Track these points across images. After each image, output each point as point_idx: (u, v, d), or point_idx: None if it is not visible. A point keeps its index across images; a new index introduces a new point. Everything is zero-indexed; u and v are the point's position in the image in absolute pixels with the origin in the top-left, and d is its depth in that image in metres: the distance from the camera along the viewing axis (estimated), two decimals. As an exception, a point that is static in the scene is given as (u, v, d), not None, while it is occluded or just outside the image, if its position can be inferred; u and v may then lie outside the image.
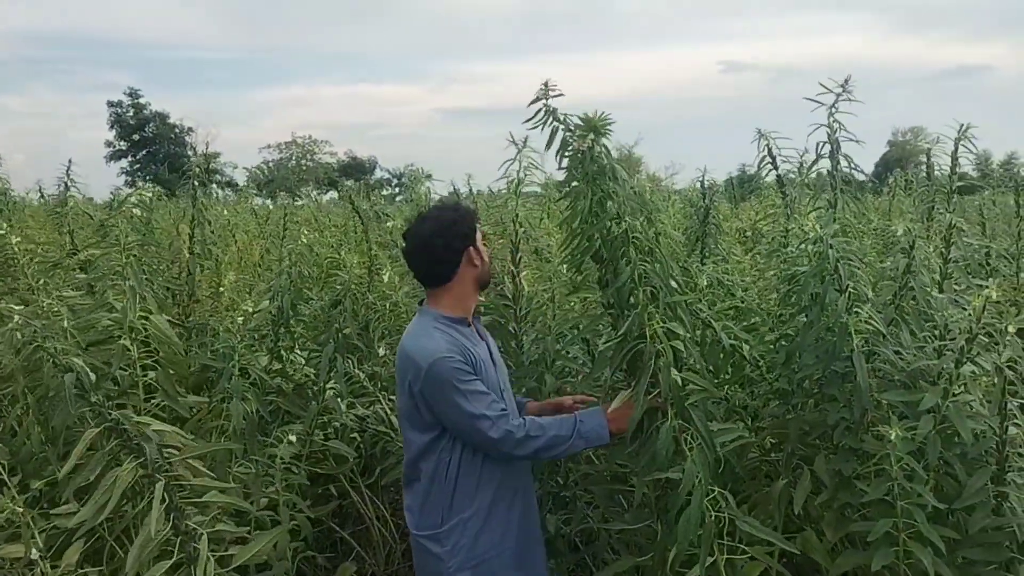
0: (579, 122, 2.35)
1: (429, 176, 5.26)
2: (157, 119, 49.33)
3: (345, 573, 3.66)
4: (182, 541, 2.32)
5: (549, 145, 2.43)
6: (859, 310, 2.38)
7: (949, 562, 2.23)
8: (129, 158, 49.31)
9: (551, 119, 2.41)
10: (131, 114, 48.95)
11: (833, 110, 2.99)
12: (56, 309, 2.96)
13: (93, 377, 2.47)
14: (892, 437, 2.15)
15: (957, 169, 3.22)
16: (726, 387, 2.90)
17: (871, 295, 2.59)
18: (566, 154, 2.39)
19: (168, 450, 2.49)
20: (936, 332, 2.40)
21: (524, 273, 2.87)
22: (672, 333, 2.32)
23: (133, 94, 49.01)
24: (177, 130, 49.21)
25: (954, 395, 2.26)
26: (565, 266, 2.86)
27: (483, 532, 2.42)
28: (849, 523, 2.40)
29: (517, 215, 2.89)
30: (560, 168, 2.44)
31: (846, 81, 2.94)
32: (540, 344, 2.86)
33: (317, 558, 3.96)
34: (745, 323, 3.11)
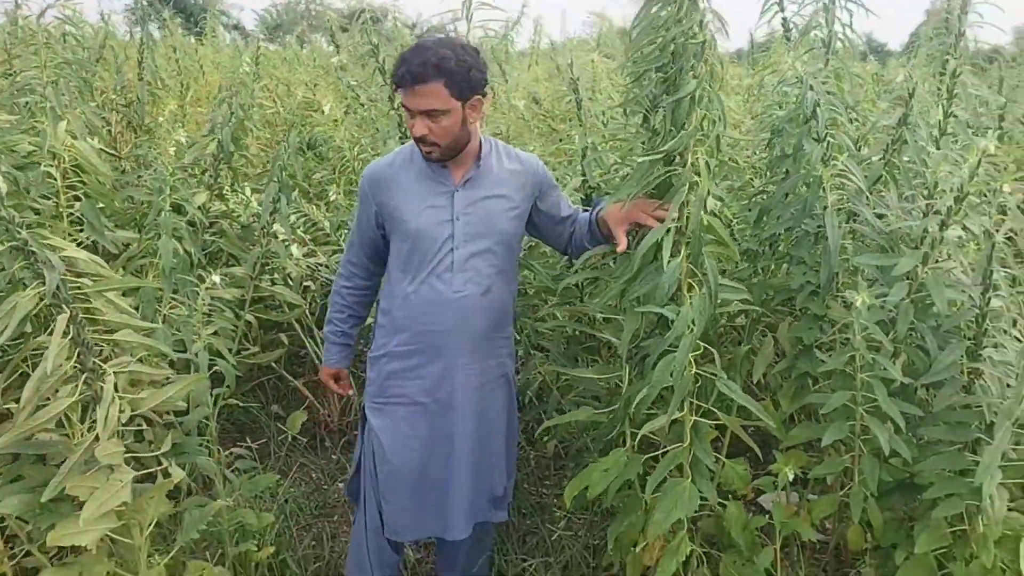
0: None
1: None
2: (162, -47, 47.11)
3: (295, 421, 3.56)
4: (87, 379, 2.16)
5: None
6: (837, 162, 2.11)
7: (908, 440, 2.06)
8: (133, -7, 47.34)
9: None
10: (135, -53, 46.69)
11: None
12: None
13: (4, 188, 2.22)
14: (858, 303, 1.93)
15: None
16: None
17: (857, 148, 2.31)
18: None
19: (83, 280, 2.30)
20: (926, 192, 2.13)
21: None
22: (711, 170, 2.01)
23: (136, -75, 46.59)
24: (182, -33, 47.01)
25: (936, 261, 2.02)
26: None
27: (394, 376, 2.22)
28: (806, 394, 2.23)
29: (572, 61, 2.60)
30: None
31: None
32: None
33: (273, 406, 3.88)
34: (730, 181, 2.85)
